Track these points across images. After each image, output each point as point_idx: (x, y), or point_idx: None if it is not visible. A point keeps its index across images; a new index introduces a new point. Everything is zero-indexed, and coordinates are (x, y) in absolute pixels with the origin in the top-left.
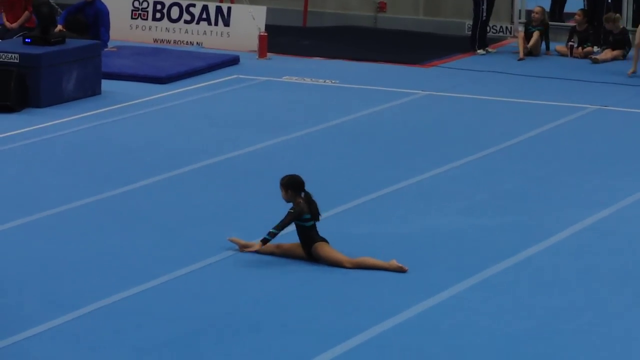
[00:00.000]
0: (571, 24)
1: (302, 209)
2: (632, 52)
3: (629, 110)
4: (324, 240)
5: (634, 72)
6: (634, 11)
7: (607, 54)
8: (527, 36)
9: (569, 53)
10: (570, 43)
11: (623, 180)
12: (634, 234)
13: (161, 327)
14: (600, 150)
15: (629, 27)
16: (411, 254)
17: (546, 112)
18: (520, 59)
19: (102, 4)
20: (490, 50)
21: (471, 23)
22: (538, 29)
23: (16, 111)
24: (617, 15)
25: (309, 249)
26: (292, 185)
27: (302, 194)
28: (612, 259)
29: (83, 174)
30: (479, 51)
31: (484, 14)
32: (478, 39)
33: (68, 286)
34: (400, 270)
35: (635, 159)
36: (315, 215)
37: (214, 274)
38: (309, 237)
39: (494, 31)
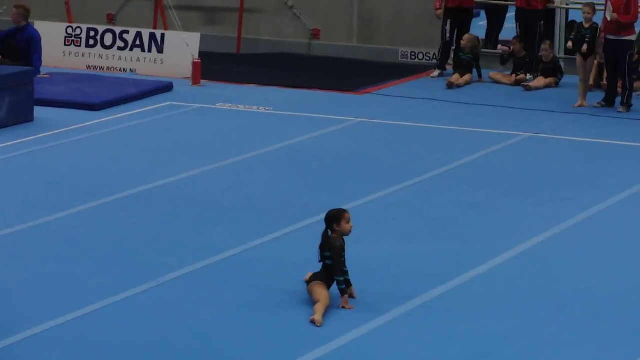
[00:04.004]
0: (504, 50)
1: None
2: (564, 80)
3: (561, 137)
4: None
5: (580, 106)
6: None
7: (540, 81)
8: (458, 63)
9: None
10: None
11: (556, 207)
12: (567, 260)
13: (94, 355)
14: (533, 177)
15: (560, 56)
16: None
17: (479, 139)
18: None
19: (35, 30)
20: (433, 75)
21: (405, 50)
22: (467, 57)
23: None
24: (549, 42)
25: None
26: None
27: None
28: (545, 285)
29: (16, 200)
30: (434, 72)
31: (447, 35)
32: (440, 59)
33: None
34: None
35: (567, 185)
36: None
37: (147, 301)
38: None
39: (427, 58)
